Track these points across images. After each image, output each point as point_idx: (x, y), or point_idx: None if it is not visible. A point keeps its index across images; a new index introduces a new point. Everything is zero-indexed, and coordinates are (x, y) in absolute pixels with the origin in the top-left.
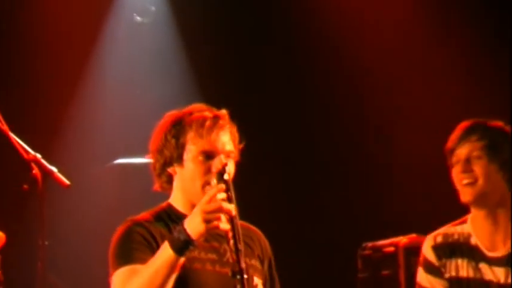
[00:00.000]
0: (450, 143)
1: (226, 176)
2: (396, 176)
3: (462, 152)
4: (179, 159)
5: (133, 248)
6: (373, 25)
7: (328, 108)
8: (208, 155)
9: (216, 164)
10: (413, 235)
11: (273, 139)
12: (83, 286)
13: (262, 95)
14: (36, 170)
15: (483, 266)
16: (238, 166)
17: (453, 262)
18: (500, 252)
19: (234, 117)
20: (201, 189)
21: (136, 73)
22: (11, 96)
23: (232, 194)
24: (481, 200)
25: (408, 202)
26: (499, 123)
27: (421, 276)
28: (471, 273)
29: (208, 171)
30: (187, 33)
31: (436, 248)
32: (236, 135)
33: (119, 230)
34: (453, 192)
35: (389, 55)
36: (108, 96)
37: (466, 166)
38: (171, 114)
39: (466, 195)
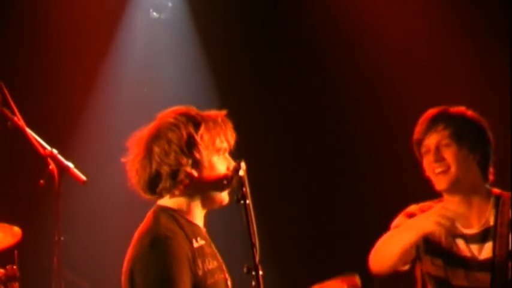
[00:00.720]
0: (417, 134)
1: (241, 172)
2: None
3: (431, 141)
4: (198, 162)
5: (182, 280)
6: (392, 23)
7: (347, 112)
8: (224, 153)
9: (230, 162)
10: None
11: (288, 134)
12: (98, 281)
13: (277, 90)
14: (52, 166)
15: (459, 242)
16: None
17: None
18: (475, 229)
19: (249, 111)
20: (223, 187)
21: (153, 69)
22: (28, 92)
23: (247, 190)
24: (455, 187)
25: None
26: (461, 109)
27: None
28: (445, 245)
29: (226, 169)
30: (203, 30)
31: (411, 217)
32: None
33: (159, 245)
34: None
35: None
36: (125, 92)
37: (437, 155)
38: (176, 116)
39: (440, 183)
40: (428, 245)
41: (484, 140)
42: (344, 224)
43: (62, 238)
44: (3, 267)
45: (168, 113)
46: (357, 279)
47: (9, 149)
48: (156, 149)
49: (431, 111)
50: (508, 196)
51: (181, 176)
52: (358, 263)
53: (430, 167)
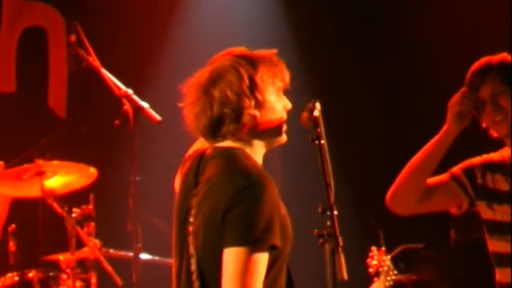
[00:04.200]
0: (469, 88)
1: (316, 112)
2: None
3: (485, 92)
4: (260, 103)
5: (275, 229)
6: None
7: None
8: (280, 92)
9: (286, 101)
10: None
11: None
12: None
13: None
14: (127, 106)
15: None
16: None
17: (494, 176)
18: None
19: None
20: (282, 127)
21: (228, 13)
22: (103, 32)
23: (322, 130)
24: None
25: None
26: (503, 55)
27: (456, 167)
28: (507, 188)
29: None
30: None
31: (485, 164)
32: None
33: (268, 189)
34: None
35: None
36: (199, 35)
37: (494, 104)
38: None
39: (501, 129)
40: (481, 191)
41: None
42: None
43: (138, 178)
44: (80, 207)
45: (223, 56)
46: None
47: (85, 90)
48: (216, 93)
49: (477, 64)
50: None
51: (245, 118)
52: None
53: (488, 116)
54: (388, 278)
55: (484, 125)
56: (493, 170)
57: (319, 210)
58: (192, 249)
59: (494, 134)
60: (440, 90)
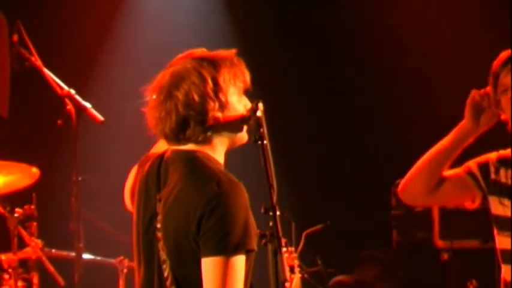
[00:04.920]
0: (493, 77)
1: (259, 113)
2: (432, 118)
3: (507, 80)
4: (223, 105)
5: (252, 233)
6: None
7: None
8: (241, 92)
9: (246, 102)
10: None
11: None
12: (116, 221)
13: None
14: (70, 106)
15: None
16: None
17: (508, 172)
18: None
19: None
20: (243, 126)
21: (171, 10)
22: (45, 32)
23: (265, 130)
24: None
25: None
26: None
27: (472, 161)
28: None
29: (244, 108)
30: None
31: (500, 160)
32: None
33: (239, 193)
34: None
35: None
36: (142, 33)
37: None
38: (193, 57)
39: None
40: (493, 186)
41: None
42: (364, 164)
43: (80, 178)
44: (22, 207)
45: (183, 58)
46: None
47: (27, 89)
48: (181, 95)
49: (501, 56)
50: None
51: (210, 120)
52: (376, 200)
53: (509, 103)
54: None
55: (502, 118)
56: (507, 166)
57: (262, 210)
58: (163, 255)
59: None
60: (383, 90)
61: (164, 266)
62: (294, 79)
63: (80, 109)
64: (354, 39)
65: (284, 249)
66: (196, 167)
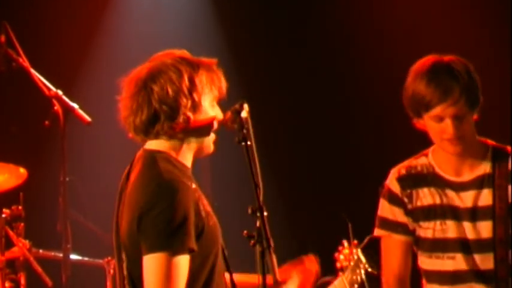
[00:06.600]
0: (426, 98)
1: (244, 114)
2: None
3: (447, 112)
4: (195, 105)
5: (191, 233)
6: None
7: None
8: (215, 100)
9: (218, 111)
10: None
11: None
12: (103, 221)
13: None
14: (57, 107)
15: (449, 192)
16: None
17: (419, 192)
18: (466, 177)
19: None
20: (210, 133)
21: (159, 9)
22: (33, 33)
23: (250, 131)
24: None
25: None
26: (460, 61)
27: (384, 207)
28: (437, 200)
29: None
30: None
31: (401, 180)
32: None
33: (179, 194)
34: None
35: None
36: (132, 32)
37: (456, 125)
38: (173, 60)
39: (455, 148)
40: (412, 214)
41: (479, 90)
42: (349, 163)
43: (67, 179)
44: (9, 207)
45: (164, 55)
46: (309, 261)
47: (15, 90)
48: (156, 88)
49: (432, 68)
50: (509, 149)
51: (180, 118)
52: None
53: (442, 133)
54: (358, 271)
55: (418, 125)
56: (416, 185)
57: (249, 211)
58: (123, 255)
59: (446, 149)
60: (369, 90)
61: (124, 265)
62: (279, 78)
63: (68, 110)
64: (342, 39)
65: (345, 241)
66: (147, 168)
